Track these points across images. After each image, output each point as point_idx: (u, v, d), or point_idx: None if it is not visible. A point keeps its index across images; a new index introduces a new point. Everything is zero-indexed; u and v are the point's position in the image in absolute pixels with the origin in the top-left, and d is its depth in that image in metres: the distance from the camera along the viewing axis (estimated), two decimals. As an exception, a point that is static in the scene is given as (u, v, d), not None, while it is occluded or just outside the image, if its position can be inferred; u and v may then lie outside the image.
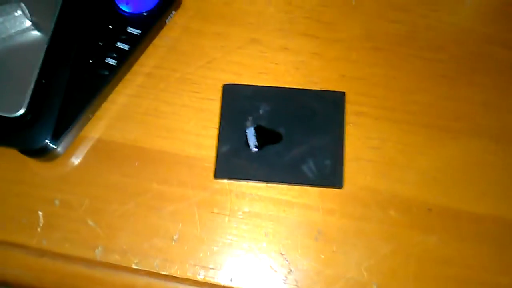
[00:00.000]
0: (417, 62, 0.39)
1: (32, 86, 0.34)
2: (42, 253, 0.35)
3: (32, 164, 0.36)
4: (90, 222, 0.35)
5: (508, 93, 0.38)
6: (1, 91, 0.34)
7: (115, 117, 0.38)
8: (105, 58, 0.36)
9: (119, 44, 0.36)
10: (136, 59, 0.38)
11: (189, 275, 0.34)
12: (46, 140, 0.34)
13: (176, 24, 0.40)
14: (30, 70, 0.34)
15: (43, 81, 0.34)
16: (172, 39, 0.39)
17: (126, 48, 0.36)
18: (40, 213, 0.35)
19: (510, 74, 0.39)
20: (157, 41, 0.39)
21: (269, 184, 0.36)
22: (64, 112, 0.34)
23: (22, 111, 0.33)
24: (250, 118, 0.37)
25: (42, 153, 0.34)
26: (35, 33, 0.35)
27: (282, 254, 0.35)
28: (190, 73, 0.39)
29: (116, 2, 0.37)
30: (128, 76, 0.38)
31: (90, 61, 0.36)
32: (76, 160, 0.36)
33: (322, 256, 0.35)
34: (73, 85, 0.35)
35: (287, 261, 0.35)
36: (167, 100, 0.38)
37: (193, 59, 0.39)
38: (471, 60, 0.40)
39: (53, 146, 0.34)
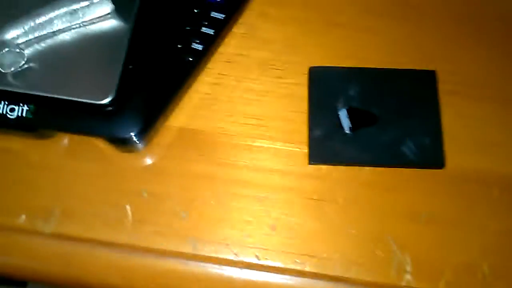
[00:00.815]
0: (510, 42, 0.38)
1: (119, 71, 0.32)
2: (131, 250, 0.33)
3: (115, 156, 0.35)
4: (183, 214, 0.33)
5: None
6: (88, 78, 0.32)
7: (198, 106, 0.36)
8: (191, 44, 0.34)
9: (204, 29, 0.35)
10: (218, 45, 0.37)
11: (290, 266, 0.32)
12: (136, 128, 0.32)
13: (253, 11, 0.39)
14: (116, 55, 0.32)
15: (130, 67, 0.33)
16: (250, 25, 0.38)
17: (211, 33, 0.35)
18: (127, 207, 0.33)
19: None
20: (236, 28, 0.38)
21: (367, 168, 0.34)
22: (152, 100, 0.33)
23: (110, 97, 0.31)
24: (341, 100, 0.35)
25: (131, 142, 0.33)
26: (119, 18, 0.34)
27: (389, 239, 0.32)
28: (272, 59, 0.37)
29: (198, -13, 0.36)
30: (209, 65, 0.37)
31: (178, 45, 0.34)
32: (161, 150, 0.35)
33: (431, 240, 0.32)
34: (161, 71, 0.34)
35: (395, 244, 0.32)
36: (251, 87, 0.37)
37: (274, 45, 0.38)
38: None
39: (142, 134, 0.32)
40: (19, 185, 0.34)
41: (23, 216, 0.33)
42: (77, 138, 0.35)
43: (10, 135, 0.34)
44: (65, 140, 0.35)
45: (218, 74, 0.37)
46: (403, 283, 0.32)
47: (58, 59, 0.33)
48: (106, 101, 0.31)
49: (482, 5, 0.39)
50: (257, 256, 0.32)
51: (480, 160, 0.35)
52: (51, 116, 0.32)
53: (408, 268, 0.32)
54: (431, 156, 0.34)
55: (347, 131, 0.35)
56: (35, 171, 0.34)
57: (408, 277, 0.32)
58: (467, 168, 0.34)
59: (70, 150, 0.35)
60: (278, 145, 0.35)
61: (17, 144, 0.35)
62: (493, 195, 0.34)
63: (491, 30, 0.38)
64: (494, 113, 0.36)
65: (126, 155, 0.35)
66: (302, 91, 0.36)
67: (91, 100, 0.32)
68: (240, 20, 0.38)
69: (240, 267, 0.32)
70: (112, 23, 0.34)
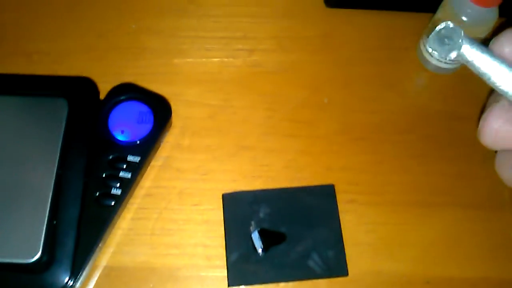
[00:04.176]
0: (391, 146, 0.43)
1: (44, 228, 0.35)
2: None
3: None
4: None
5: (476, 162, 0.43)
6: (14, 237, 0.35)
7: (123, 243, 0.39)
8: (110, 189, 0.38)
9: (121, 174, 0.38)
10: (137, 183, 0.40)
11: None
12: (66, 280, 0.35)
13: (168, 143, 0.42)
14: (40, 213, 0.35)
15: (54, 222, 0.35)
16: (166, 158, 0.42)
17: (129, 177, 0.38)
18: None
19: (473, 144, 0.44)
20: (153, 162, 0.42)
21: (281, 284, 0.38)
22: (78, 248, 0.36)
23: (38, 255, 0.34)
24: (253, 222, 0.39)
25: (62, 292, 0.35)
26: (39, 176, 0.36)
27: None
28: (188, 187, 0.41)
29: (113, 133, 0.39)
30: (130, 200, 0.40)
31: (96, 194, 0.37)
32: (91, 291, 0.37)
33: None
34: (83, 219, 0.36)
35: None
36: (171, 217, 0.40)
37: (189, 174, 0.42)
38: (437, 137, 0.44)
39: (73, 284, 0.35)
40: None
41: None
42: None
43: None
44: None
45: (139, 208, 0.40)
46: None
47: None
48: (34, 259, 0.34)
49: (365, 116, 0.45)
50: None
51: (379, 263, 0.39)
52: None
53: None
54: (335, 267, 0.38)
55: (260, 252, 0.38)
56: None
57: None
58: (369, 272, 0.39)
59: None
60: (200, 271, 0.38)
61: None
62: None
63: (380, 140, 0.44)
64: (388, 216, 0.41)
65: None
66: (219, 216, 0.40)
67: (18, 260, 0.34)
68: (158, 153, 0.42)
69: None
70: (33, 182, 0.36)
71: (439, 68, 0.46)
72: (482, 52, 0.26)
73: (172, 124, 0.43)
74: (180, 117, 0.44)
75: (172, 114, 0.42)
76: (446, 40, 0.26)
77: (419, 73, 0.47)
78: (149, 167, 0.41)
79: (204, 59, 0.46)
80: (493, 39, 0.27)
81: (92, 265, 0.38)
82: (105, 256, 0.38)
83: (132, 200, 0.40)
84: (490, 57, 0.26)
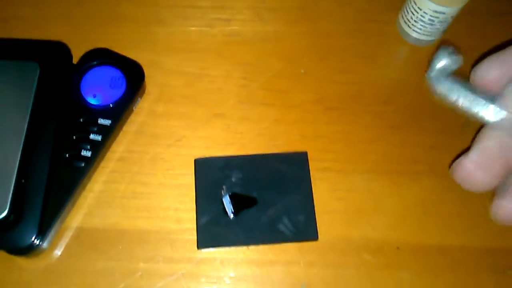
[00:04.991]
0: (368, 116, 0.43)
1: (12, 186, 0.35)
2: None
3: (18, 261, 0.37)
4: (82, 311, 0.36)
5: (453, 133, 0.43)
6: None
7: (94, 204, 0.39)
8: (80, 151, 0.38)
9: (92, 136, 0.38)
10: (109, 146, 0.40)
11: None
12: (32, 238, 0.35)
13: (142, 109, 0.43)
14: (8, 171, 0.35)
15: (23, 181, 0.36)
16: (140, 123, 0.42)
17: (99, 139, 0.38)
18: (30, 310, 0.36)
19: (451, 116, 0.43)
20: (126, 127, 0.42)
21: (251, 247, 0.38)
22: (46, 208, 0.36)
23: (4, 213, 0.34)
24: (224, 187, 0.39)
25: (29, 251, 0.35)
26: (9, 134, 0.36)
27: (272, 313, 0.36)
28: (161, 152, 0.41)
29: (84, 97, 0.40)
30: (102, 164, 0.40)
31: (66, 155, 0.37)
32: (61, 252, 0.37)
33: (310, 309, 0.37)
34: (52, 180, 0.37)
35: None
36: (143, 181, 0.40)
37: (163, 139, 0.42)
38: (414, 108, 0.44)
39: (39, 242, 0.35)
40: None
41: None
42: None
43: None
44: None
45: (111, 172, 0.40)
46: None
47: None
48: (0, 216, 0.34)
49: (342, 87, 0.45)
50: None
51: (350, 230, 0.39)
52: None
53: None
54: (305, 231, 0.38)
55: (231, 215, 0.39)
56: None
57: None
58: (340, 238, 0.39)
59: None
60: (170, 234, 0.38)
61: None
62: (364, 260, 0.38)
63: (356, 111, 0.44)
64: (361, 184, 0.41)
65: (28, 259, 0.37)
66: (191, 181, 0.40)
67: (-16, 216, 0.34)
68: (132, 118, 0.42)
69: None
70: (2, 142, 0.36)
71: (418, 40, 0.46)
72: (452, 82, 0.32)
73: (148, 91, 0.43)
74: (156, 84, 0.44)
75: (148, 81, 0.43)
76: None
77: (398, 46, 0.47)
78: (122, 132, 0.41)
79: (182, 28, 0.46)
80: (474, 68, 0.29)
81: (62, 225, 0.38)
82: (76, 217, 0.38)
83: (104, 164, 0.40)
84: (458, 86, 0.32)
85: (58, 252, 0.37)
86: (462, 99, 0.31)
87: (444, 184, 0.41)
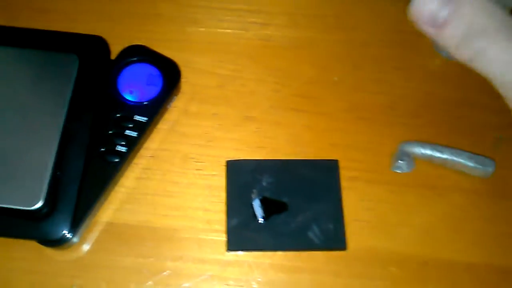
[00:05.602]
0: (399, 128, 0.43)
1: (48, 178, 0.35)
2: None
3: (48, 252, 0.37)
4: (110, 306, 0.36)
5: (484, 149, 0.42)
6: (18, 185, 0.35)
7: (125, 200, 0.39)
8: (115, 146, 0.38)
9: (127, 132, 0.38)
10: (143, 143, 0.40)
11: None
12: (65, 231, 0.35)
13: (176, 108, 0.43)
14: (45, 162, 0.35)
15: (58, 172, 0.36)
16: (173, 122, 0.42)
17: (135, 135, 0.38)
18: (58, 301, 0.36)
19: (481, 132, 0.44)
20: (160, 125, 0.42)
21: (278, 252, 0.38)
22: (79, 201, 0.36)
23: (39, 203, 0.34)
24: (255, 190, 0.40)
25: (61, 243, 0.35)
26: (46, 127, 0.37)
27: (298, 319, 0.36)
28: (192, 152, 0.41)
29: (121, 93, 0.40)
30: (135, 160, 0.40)
31: (102, 149, 0.38)
32: (91, 245, 0.38)
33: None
34: (87, 173, 0.37)
35: (303, 326, 0.36)
36: (173, 180, 0.40)
37: (194, 139, 0.42)
38: (445, 123, 0.44)
39: (71, 235, 0.35)
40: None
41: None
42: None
43: None
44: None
45: (144, 169, 0.40)
46: None
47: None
48: (35, 207, 0.34)
49: (374, 97, 0.45)
50: None
51: (378, 241, 0.39)
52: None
53: None
54: (334, 240, 0.39)
55: (261, 220, 0.39)
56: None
57: None
58: (367, 248, 0.39)
59: (2, 246, 0.37)
60: (199, 235, 0.39)
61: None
62: (391, 272, 0.38)
63: (386, 122, 0.44)
64: (388, 195, 0.41)
65: (58, 251, 0.37)
66: (221, 182, 0.40)
67: (21, 206, 0.34)
68: (165, 117, 0.42)
69: None
70: (41, 133, 0.37)
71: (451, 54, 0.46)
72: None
73: (181, 90, 0.43)
74: (190, 84, 0.44)
75: (182, 81, 0.43)
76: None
77: (432, 59, 0.47)
78: (156, 130, 0.42)
79: (217, 30, 0.47)
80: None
81: (93, 220, 0.38)
82: (107, 212, 0.39)
83: (137, 161, 0.40)
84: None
85: (87, 245, 0.38)
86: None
87: (473, 200, 0.41)
